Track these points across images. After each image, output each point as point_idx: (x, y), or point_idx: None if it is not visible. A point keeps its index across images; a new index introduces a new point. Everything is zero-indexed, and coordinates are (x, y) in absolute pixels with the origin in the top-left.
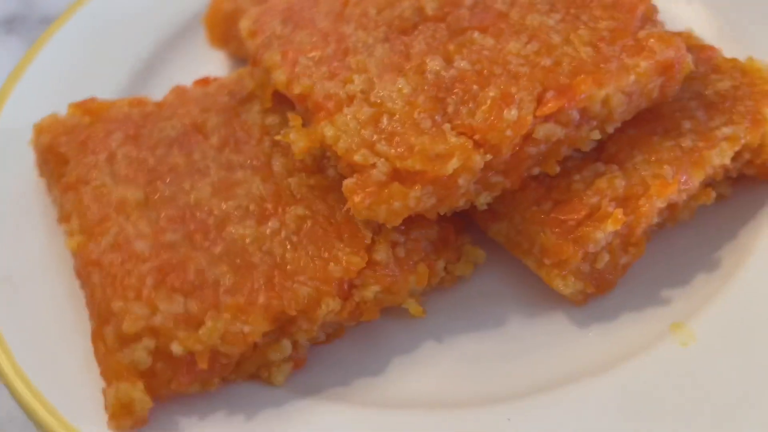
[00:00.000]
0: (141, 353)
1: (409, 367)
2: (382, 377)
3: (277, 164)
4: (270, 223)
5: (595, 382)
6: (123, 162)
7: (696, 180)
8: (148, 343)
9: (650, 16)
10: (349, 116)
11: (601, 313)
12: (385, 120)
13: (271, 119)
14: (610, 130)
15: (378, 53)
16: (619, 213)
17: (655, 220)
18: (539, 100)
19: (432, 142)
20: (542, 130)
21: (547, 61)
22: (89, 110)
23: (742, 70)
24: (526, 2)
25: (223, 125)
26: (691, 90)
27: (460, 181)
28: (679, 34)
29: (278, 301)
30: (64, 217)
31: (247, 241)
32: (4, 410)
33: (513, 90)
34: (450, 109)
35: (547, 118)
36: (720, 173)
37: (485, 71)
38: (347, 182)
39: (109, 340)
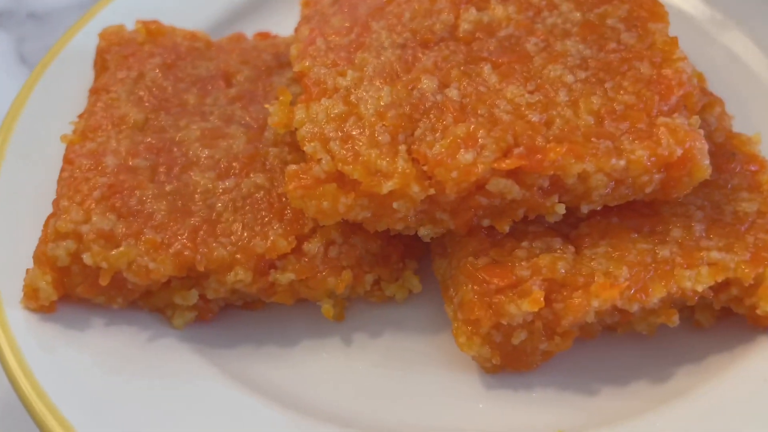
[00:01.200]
0: (61, 251)
1: (302, 363)
2: (270, 362)
3: (270, 131)
4: (227, 182)
5: None
6: (145, 85)
7: (654, 296)
8: (70, 245)
9: (690, 105)
10: (323, 107)
11: (513, 388)
12: (350, 122)
13: (294, 89)
14: (585, 210)
15: (385, 57)
16: (540, 295)
17: (591, 319)
18: (505, 153)
19: (379, 157)
20: (497, 185)
21: (536, 117)
22: (149, 30)
23: None
24: (558, 51)
25: (250, 81)
26: (709, 198)
27: (395, 205)
28: (735, 135)
29: (191, 254)
30: (80, 115)
31: (198, 189)
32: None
33: (480, 133)
34: (417, 133)
35: (506, 174)
36: (692, 298)
37: (469, 107)
38: (290, 167)
39: (48, 229)
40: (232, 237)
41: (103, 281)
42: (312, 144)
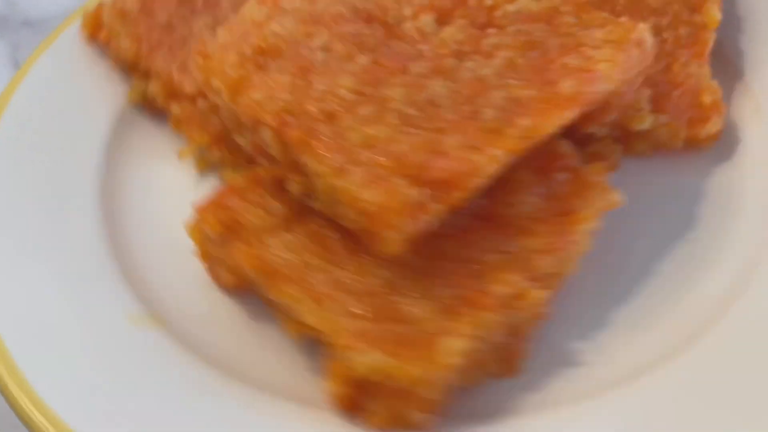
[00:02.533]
0: (106, 5)
1: None
2: None
3: None
4: None
5: None
6: None
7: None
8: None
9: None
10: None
11: None
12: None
13: None
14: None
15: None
16: (215, 223)
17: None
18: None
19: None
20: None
21: (315, 99)
22: None
23: None
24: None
25: None
26: None
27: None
28: None
29: (144, 52)
30: None
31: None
32: None
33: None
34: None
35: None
36: None
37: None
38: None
39: None
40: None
41: (102, 37)
42: None
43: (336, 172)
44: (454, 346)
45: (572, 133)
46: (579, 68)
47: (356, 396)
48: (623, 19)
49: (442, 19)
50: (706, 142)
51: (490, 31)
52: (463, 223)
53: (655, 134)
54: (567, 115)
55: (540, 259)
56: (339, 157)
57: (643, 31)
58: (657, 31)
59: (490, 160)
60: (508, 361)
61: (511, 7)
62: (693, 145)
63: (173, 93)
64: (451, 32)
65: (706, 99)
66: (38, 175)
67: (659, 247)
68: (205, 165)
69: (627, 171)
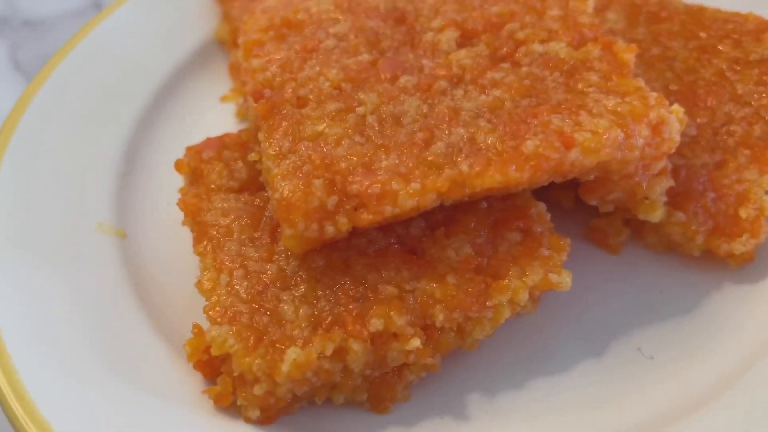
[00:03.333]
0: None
1: None
2: None
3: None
4: None
5: None
6: None
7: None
8: None
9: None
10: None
11: None
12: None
13: None
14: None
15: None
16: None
17: None
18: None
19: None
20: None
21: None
22: None
23: None
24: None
25: None
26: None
27: None
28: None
29: None
30: None
31: None
32: None
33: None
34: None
35: None
36: None
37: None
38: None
39: None
40: None
41: None
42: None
43: (275, 156)
44: (299, 358)
45: (581, 200)
46: (557, 131)
47: (208, 364)
48: (654, 94)
49: (465, 39)
50: (732, 260)
51: (503, 65)
52: (383, 245)
53: (667, 231)
54: (515, 175)
55: (438, 310)
56: (285, 142)
57: (668, 113)
58: (727, 120)
59: (408, 194)
60: (379, 398)
61: (539, 48)
62: (714, 258)
63: (236, 40)
64: (462, 55)
65: (745, 213)
66: (116, 73)
67: (601, 348)
68: (243, 114)
69: (629, 259)
